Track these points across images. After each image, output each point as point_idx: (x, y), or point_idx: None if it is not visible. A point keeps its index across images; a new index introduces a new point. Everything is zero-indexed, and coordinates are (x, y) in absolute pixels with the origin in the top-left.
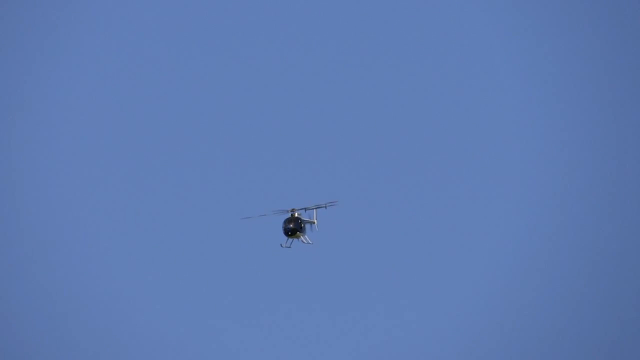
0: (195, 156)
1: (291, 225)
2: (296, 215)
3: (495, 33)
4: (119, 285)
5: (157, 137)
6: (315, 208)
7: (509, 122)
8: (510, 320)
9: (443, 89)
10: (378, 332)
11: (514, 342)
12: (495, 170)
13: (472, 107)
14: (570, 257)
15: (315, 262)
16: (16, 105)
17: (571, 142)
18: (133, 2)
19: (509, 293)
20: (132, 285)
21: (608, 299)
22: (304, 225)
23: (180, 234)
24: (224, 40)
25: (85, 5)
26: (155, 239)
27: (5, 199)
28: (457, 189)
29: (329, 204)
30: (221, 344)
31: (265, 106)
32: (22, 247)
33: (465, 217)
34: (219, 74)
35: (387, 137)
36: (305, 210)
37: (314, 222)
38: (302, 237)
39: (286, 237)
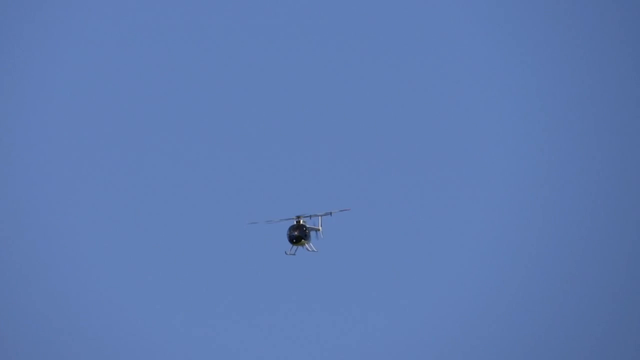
0: (202, 159)
1: (296, 233)
2: (301, 222)
3: (495, 34)
4: (121, 288)
5: (164, 140)
6: (322, 215)
7: (512, 124)
8: (514, 320)
9: (443, 90)
10: (382, 337)
11: (519, 342)
12: (495, 171)
13: (470, 109)
14: (567, 256)
15: (319, 270)
16: (14, 104)
17: (568, 142)
18: (132, 2)
19: (513, 294)
20: (135, 287)
21: (603, 296)
22: (309, 233)
23: (184, 238)
24: (230, 42)
25: (83, 5)
26: (160, 242)
27: (5, 198)
28: (458, 190)
29: (341, 211)
30: (224, 349)
31: (274, 112)
32: (21, 247)
33: (467, 218)
34: (230, 76)
35: (392, 142)
36: (310, 218)
37: (319, 230)
38: (306, 244)
39: (291, 245)
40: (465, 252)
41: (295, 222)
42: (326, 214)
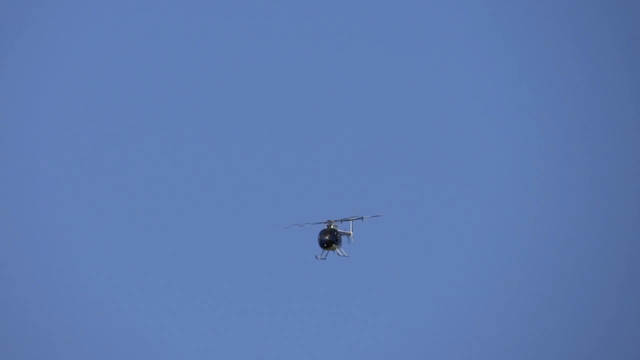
0: (233, 162)
1: (327, 237)
2: (332, 226)
3: (502, 31)
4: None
5: (187, 142)
6: (353, 220)
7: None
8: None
9: (460, 95)
10: (410, 342)
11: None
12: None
13: (490, 113)
14: (570, 257)
15: (350, 275)
16: (14, 104)
17: (570, 142)
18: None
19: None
20: (162, 295)
21: (603, 297)
22: (340, 237)
23: (213, 242)
24: (245, 44)
25: (81, 5)
26: (187, 245)
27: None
28: (485, 196)
29: (373, 217)
30: (254, 353)
31: (306, 117)
32: (20, 247)
33: (495, 224)
34: (255, 77)
35: (419, 149)
36: (342, 222)
37: (350, 234)
38: (337, 249)
39: (321, 249)
40: (494, 258)
41: (326, 226)
42: (358, 219)
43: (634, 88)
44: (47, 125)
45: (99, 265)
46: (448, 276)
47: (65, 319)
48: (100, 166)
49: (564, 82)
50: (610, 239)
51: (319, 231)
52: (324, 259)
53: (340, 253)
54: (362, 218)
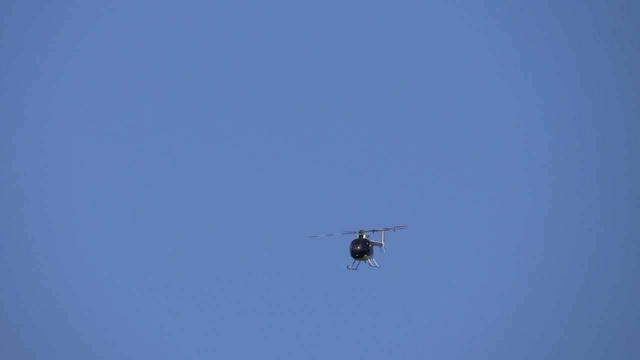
0: (268, 171)
1: (359, 247)
2: (364, 237)
3: (501, 34)
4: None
5: (219, 145)
6: (384, 230)
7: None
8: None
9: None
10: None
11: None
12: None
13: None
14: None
15: (381, 286)
16: (15, 105)
17: (595, 142)
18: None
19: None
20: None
21: (613, 300)
22: (372, 248)
23: (245, 250)
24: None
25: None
26: (222, 254)
27: (6, 199)
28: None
29: (398, 228)
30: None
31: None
32: (20, 247)
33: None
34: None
35: (452, 158)
36: (374, 232)
37: (382, 244)
38: (369, 259)
39: (353, 259)
40: (521, 266)
41: (358, 236)
42: (388, 230)
43: None
44: (48, 125)
45: (114, 264)
46: (478, 288)
47: (65, 318)
48: (102, 166)
49: (585, 80)
50: (617, 239)
51: (351, 241)
52: (356, 269)
53: (371, 264)
54: (394, 229)
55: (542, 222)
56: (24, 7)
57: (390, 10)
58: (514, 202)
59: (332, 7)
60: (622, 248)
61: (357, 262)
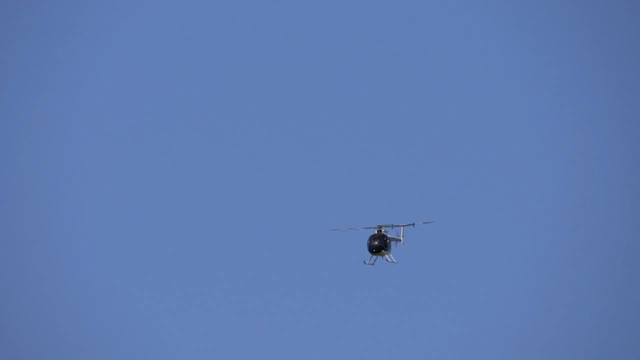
0: (280, 170)
1: (376, 243)
2: (382, 232)
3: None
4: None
5: (237, 141)
6: (404, 226)
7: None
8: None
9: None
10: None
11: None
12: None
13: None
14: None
15: (398, 282)
16: (16, 105)
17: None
18: (137, 4)
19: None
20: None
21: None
22: (390, 243)
23: (265, 242)
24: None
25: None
26: (241, 246)
27: (8, 199)
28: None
29: (425, 223)
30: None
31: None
32: (21, 247)
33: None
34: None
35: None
36: (392, 227)
37: (401, 240)
38: (386, 255)
39: (370, 254)
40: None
41: (376, 232)
42: (409, 225)
43: None
44: (49, 125)
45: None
46: (495, 286)
47: (65, 318)
48: (102, 166)
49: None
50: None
51: (369, 236)
52: (373, 264)
53: (389, 259)
54: (413, 224)
55: (563, 221)
56: (24, 7)
57: (390, 10)
58: (533, 201)
59: (332, 7)
60: None
61: (374, 257)
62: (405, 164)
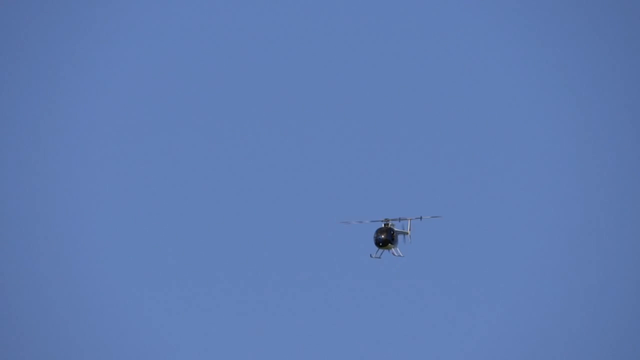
0: (292, 159)
1: (383, 236)
2: (389, 225)
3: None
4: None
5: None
6: (412, 220)
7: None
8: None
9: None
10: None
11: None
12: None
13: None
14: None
15: (404, 276)
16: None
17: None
18: (140, 7)
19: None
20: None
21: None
22: (397, 237)
23: (273, 235)
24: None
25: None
26: (249, 238)
27: (10, 199)
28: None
29: (432, 218)
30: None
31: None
32: (21, 247)
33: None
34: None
35: (477, 148)
36: (400, 221)
37: (408, 233)
38: (393, 249)
39: (377, 248)
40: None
41: (383, 225)
42: (416, 219)
43: None
44: (50, 126)
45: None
46: (502, 283)
47: (65, 318)
48: (101, 166)
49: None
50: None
51: (375, 229)
52: (379, 257)
53: (395, 253)
54: (421, 218)
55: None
56: (24, 8)
57: (390, 10)
58: (541, 198)
59: (332, 7)
60: None
61: (380, 250)
62: (414, 159)
